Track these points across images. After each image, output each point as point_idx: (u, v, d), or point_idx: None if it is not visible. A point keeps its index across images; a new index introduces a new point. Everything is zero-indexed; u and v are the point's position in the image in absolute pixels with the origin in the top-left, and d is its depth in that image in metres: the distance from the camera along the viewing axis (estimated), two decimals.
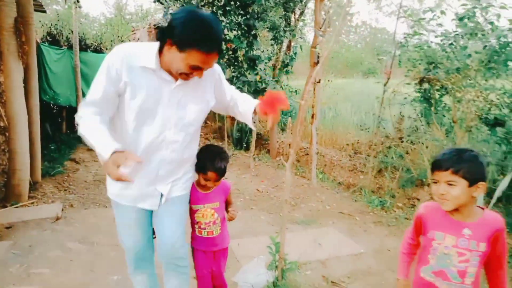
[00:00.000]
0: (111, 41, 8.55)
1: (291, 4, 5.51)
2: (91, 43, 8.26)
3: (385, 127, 5.10)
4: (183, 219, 1.90)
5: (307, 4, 6.16)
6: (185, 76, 1.56)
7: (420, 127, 4.58)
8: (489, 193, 3.49)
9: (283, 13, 5.98)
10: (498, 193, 3.32)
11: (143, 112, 1.60)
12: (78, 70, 7.39)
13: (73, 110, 7.73)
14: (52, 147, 6.56)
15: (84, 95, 7.55)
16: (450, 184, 1.46)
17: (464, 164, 1.44)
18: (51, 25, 8.18)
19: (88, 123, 1.54)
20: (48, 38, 7.92)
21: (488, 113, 3.88)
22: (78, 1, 6.76)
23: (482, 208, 1.53)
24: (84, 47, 7.87)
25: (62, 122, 7.99)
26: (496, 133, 3.72)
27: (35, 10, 5.20)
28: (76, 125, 1.60)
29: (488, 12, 3.71)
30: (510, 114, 3.73)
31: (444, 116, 4.39)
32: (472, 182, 1.44)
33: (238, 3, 5.39)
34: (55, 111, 7.85)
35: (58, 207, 3.95)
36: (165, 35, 1.51)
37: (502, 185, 3.37)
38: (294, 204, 4.57)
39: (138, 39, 8.71)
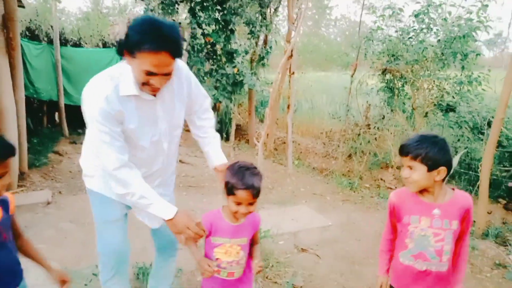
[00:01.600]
0: (90, 35, 8.64)
1: (265, 1, 5.82)
2: (71, 38, 8.35)
3: (354, 115, 5.51)
4: None
5: (281, 0, 6.48)
6: (148, 87, 1.53)
7: (385, 114, 5.00)
8: None
9: (259, 9, 6.28)
10: (450, 171, 3.76)
11: (140, 135, 1.65)
12: (59, 65, 7.50)
13: (54, 104, 7.86)
14: (35, 141, 6.68)
15: (64, 89, 7.68)
16: (411, 169, 1.53)
17: (422, 150, 1.49)
18: (30, 20, 8.22)
19: (139, 188, 1.56)
20: (27, 33, 7.96)
21: (442, 100, 4.33)
22: None
23: (453, 189, 1.62)
24: (63, 42, 7.96)
25: (43, 116, 8.08)
26: (448, 118, 4.16)
27: None
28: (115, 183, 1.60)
29: (440, 10, 4.13)
30: (460, 100, 4.18)
31: (404, 103, 4.82)
32: (431, 167, 1.50)
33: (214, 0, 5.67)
34: (35, 105, 7.94)
35: (48, 193, 4.17)
36: (121, 47, 1.50)
37: (453, 164, 3.82)
38: (271, 187, 4.92)
39: (118, 33, 8.84)
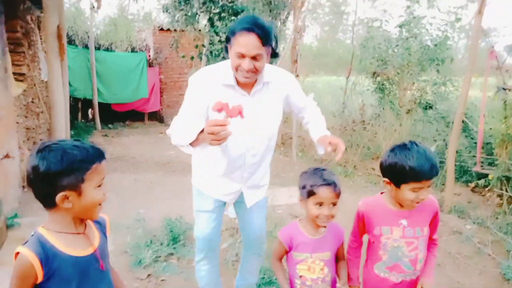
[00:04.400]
0: (121, 41, 9.60)
1: (275, 12, 6.58)
2: (103, 43, 9.33)
3: (352, 113, 6.20)
4: (265, 217, 2.18)
5: (290, 12, 7.24)
6: (240, 72, 1.65)
7: (378, 112, 5.68)
8: None
9: (270, 18, 7.05)
10: None
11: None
12: (93, 67, 8.46)
13: (87, 102, 8.84)
14: (72, 133, 7.64)
15: (97, 88, 8.65)
16: (429, 187, 1.48)
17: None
18: (68, 27, 9.23)
19: (178, 125, 1.75)
20: None
21: (422, 99, 5.00)
22: (94, 7, 7.84)
23: None
24: (96, 47, 8.94)
25: (78, 112, 9.08)
26: (427, 114, 4.83)
27: None
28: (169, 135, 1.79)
29: (421, 20, 4.82)
30: (436, 99, 4.85)
31: (393, 102, 5.48)
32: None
33: (230, 11, 6.48)
34: (71, 102, 8.93)
35: None
36: (226, 45, 1.71)
37: None
38: (276, 174, 5.68)
39: (144, 39, 9.78)
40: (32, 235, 1.14)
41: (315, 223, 1.57)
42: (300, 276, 1.60)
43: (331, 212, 1.50)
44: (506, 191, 3.74)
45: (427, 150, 1.47)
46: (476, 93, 4.96)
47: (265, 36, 1.60)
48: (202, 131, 1.58)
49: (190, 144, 1.66)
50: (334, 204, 1.51)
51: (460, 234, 3.65)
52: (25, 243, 1.12)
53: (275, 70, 1.91)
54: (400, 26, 4.94)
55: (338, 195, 1.51)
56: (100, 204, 1.18)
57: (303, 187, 1.53)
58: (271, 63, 1.95)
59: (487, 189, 3.98)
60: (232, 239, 3.28)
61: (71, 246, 1.15)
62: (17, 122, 4.47)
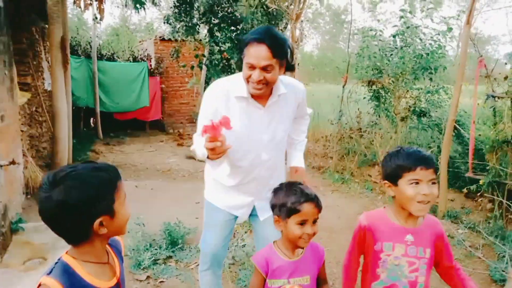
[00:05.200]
0: (123, 51, 9.80)
1: (273, 22, 6.74)
2: (105, 53, 9.52)
3: (348, 121, 6.33)
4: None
5: (288, 24, 7.41)
6: (251, 84, 1.64)
7: (374, 120, 5.80)
8: None
9: None
10: None
11: (240, 137, 1.71)
12: (96, 77, 8.63)
13: (89, 110, 8.99)
14: (74, 141, 7.76)
15: (99, 98, 8.80)
16: (433, 183, 1.36)
17: (435, 162, 1.40)
18: (71, 37, 9.43)
19: (197, 142, 1.76)
20: None
21: (416, 106, 5.12)
22: (96, 18, 8.03)
23: None
24: (99, 56, 9.13)
25: (79, 121, 9.22)
26: (421, 121, 4.94)
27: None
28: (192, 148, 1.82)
29: (415, 31, 4.96)
30: (429, 107, 4.97)
31: (388, 110, 5.60)
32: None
33: (230, 21, 6.65)
34: (74, 112, 9.09)
35: None
36: (241, 57, 1.69)
37: None
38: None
39: (146, 49, 9.98)
40: (56, 263, 1.06)
41: (294, 244, 1.42)
42: None
43: (314, 230, 1.39)
44: (497, 196, 3.83)
45: (418, 148, 1.46)
46: (468, 101, 5.08)
47: (277, 47, 1.59)
48: None
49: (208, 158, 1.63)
50: (316, 221, 1.40)
51: (452, 238, 3.73)
52: (49, 272, 1.04)
53: (290, 80, 1.90)
54: (394, 36, 5.09)
55: (320, 210, 1.41)
56: (128, 219, 1.14)
57: (282, 206, 1.40)
58: None
59: (478, 194, 4.07)
60: (229, 242, 3.37)
61: (98, 277, 1.09)
62: (22, 131, 4.60)
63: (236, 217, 2.00)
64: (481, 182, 3.87)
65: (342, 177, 5.67)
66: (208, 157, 1.59)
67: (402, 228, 1.44)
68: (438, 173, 4.29)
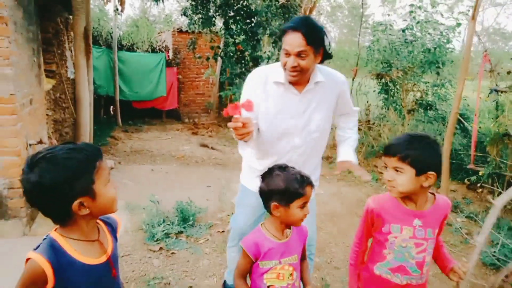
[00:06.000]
0: (142, 42, 10.10)
1: (288, 15, 6.91)
2: (125, 43, 9.85)
3: (358, 113, 6.44)
4: (315, 217, 2.22)
5: (301, 15, 7.55)
6: (287, 71, 1.71)
7: (384, 112, 5.93)
8: None
9: (282, 22, 7.39)
10: (439, 177, 4.66)
11: (274, 121, 1.80)
12: (116, 66, 8.97)
13: (109, 99, 9.36)
14: (95, 127, 8.15)
15: (119, 87, 9.15)
16: (397, 171, 1.40)
17: (413, 151, 1.37)
18: (93, 27, 9.79)
19: None
20: None
21: (423, 99, 5.23)
22: (117, 9, 8.33)
23: (433, 194, 1.51)
24: (119, 47, 9.46)
25: (100, 108, 9.61)
26: (428, 114, 5.06)
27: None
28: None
29: (424, 25, 5.06)
30: (435, 100, 5.07)
31: (396, 103, 5.72)
32: (420, 171, 1.37)
33: (245, 14, 6.84)
34: (95, 99, 9.48)
35: (111, 161, 5.50)
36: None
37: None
38: None
39: (164, 40, 10.26)
40: (44, 239, 1.09)
41: (289, 225, 1.50)
42: (268, 287, 1.47)
43: (308, 210, 1.44)
44: (497, 187, 3.96)
45: (410, 135, 1.47)
46: (473, 95, 5.16)
47: (311, 34, 1.63)
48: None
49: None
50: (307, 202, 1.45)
51: (450, 226, 3.89)
52: (36, 248, 1.07)
53: (329, 70, 1.93)
54: (403, 30, 5.20)
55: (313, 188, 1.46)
56: (115, 199, 1.13)
57: (285, 192, 1.39)
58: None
59: (479, 185, 4.19)
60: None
61: (86, 254, 1.11)
62: (47, 115, 4.94)
63: None
64: (481, 173, 4.00)
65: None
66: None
67: (410, 211, 1.46)
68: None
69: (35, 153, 1.05)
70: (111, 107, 9.75)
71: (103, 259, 1.15)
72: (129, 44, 9.88)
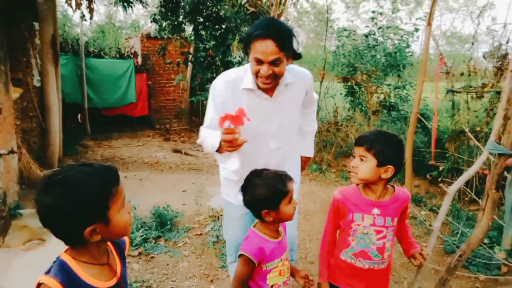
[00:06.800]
0: (109, 48, 9.97)
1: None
2: (93, 50, 9.69)
3: (326, 115, 6.72)
4: (297, 224, 2.25)
5: None
6: (260, 78, 1.66)
7: (350, 114, 6.20)
8: None
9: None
10: (397, 173, 4.93)
11: (247, 128, 1.65)
12: (83, 73, 8.81)
13: (76, 107, 9.18)
14: (64, 136, 7.96)
15: (88, 95, 8.98)
16: (362, 159, 1.55)
17: (378, 144, 1.52)
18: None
19: (205, 134, 1.80)
20: None
21: (386, 101, 5.54)
22: (84, 16, 8.21)
23: (393, 187, 1.65)
24: (86, 54, 9.29)
25: (67, 117, 9.38)
26: (391, 115, 5.36)
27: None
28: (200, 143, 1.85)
29: (385, 30, 5.37)
30: (398, 101, 5.39)
31: (360, 105, 6.00)
32: (381, 162, 1.51)
33: (214, 20, 6.95)
34: (62, 107, 9.26)
35: None
36: (245, 46, 1.68)
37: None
38: None
39: (133, 46, 10.18)
40: (55, 262, 1.07)
41: (277, 225, 1.56)
42: (272, 286, 1.53)
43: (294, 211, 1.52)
44: (456, 180, 4.26)
45: (377, 131, 1.64)
46: (432, 95, 5.51)
47: (283, 40, 1.58)
48: None
49: (218, 151, 1.68)
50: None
51: (415, 219, 4.15)
52: (47, 272, 1.04)
53: (297, 69, 1.92)
54: (366, 36, 5.49)
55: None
56: (130, 224, 1.10)
57: (272, 196, 1.44)
58: None
59: (440, 179, 4.49)
60: (214, 223, 3.70)
61: (97, 277, 1.09)
62: (16, 124, 4.83)
63: None
64: (441, 168, 4.29)
65: (320, 168, 6.05)
66: (218, 150, 1.63)
67: (370, 201, 1.60)
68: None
69: (50, 174, 1.02)
70: (79, 115, 9.56)
71: (113, 281, 1.14)
72: (97, 51, 9.73)
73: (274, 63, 1.61)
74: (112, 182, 1.04)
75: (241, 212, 1.99)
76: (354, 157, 1.65)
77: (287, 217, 1.49)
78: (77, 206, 0.98)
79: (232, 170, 1.95)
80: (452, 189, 1.82)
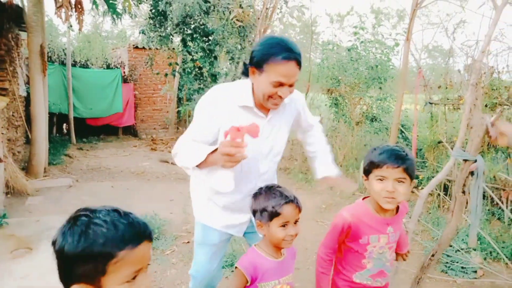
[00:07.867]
0: (96, 58, 10.00)
1: (243, 34, 7.24)
2: (79, 60, 9.70)
3: None
4: None
5: (257, 35, 7.92)
6: (272, 100, 1.56)
7: (334, 125, 6.38)
8: None
9: (238, 40, 7.72)
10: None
11: None
12: (70, 83, 8.80)
13: (62, 116, 9.14)
14: (49, 146, 7.91)
15: (73, 105, 8.96)
16: (400, 181, 1.42)
17: (409, 161, 1.42)
18: None
19: (189, 146, 1.60)
20: None
21: (368, 112, 5.74)
22: (71, 26, 8.24)
23: None
24: (73, 63, 9.30)
25: (52, 126, 9.33)
26: (373, 126, 5.55)
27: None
28: (174, 156, 1.66)
29: (367, 44, 5.60)
30: (380, 112, 5.59)
31: (344, 116, 6.19)
32: (411, 179, 1.45)
33: (202, 32, 7.08)
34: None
35: (69, 179, 5.42)
36: (247, 66, 1.59)
37: None
38: None
39: (120, 56, 10.23)
40: None
41: (277, 246, 1.45)
42: None
43: (296, 230, 1.41)
44: (435, 188, 4.43)
45: (399, 147, 1.48)
46: (412, 107, 5.74)
47: (301, 60, 1.54)
48: (212, 152, 1.45)
49: (198, 165, 1.51)
50: (297, 221, 1.42)
51: None
52: None
53: None
54: (349, 50, 5.71)
55: (300, 210, 1.42)
56: None
57: (263, 210, 1.40)
58: None
59: (420, 188, 4.66)
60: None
61: None
62: (1, 133, 4.82)
63: (231, 236, 1.88)
64: (421, 177, 4.46)
65: (306, 177, 6.17)
66: (198, 166, 1.49)
67: (383, 219, 1.51)
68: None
69: (83, 208, 0.92)
70: (64, 124, 9.51)
71: None
72: (83, 61, 9.74)
73: (292, 84, 1.55)
74: (125, 242, 0.83)
75: (220, 237, 1.83)
76: (380, 179, 1.47)
77: (275, 240, 1.40)
78: (68, 251, 0.81)
79: (216, 194, 1.76)
80: (423, 193, 1.96)
